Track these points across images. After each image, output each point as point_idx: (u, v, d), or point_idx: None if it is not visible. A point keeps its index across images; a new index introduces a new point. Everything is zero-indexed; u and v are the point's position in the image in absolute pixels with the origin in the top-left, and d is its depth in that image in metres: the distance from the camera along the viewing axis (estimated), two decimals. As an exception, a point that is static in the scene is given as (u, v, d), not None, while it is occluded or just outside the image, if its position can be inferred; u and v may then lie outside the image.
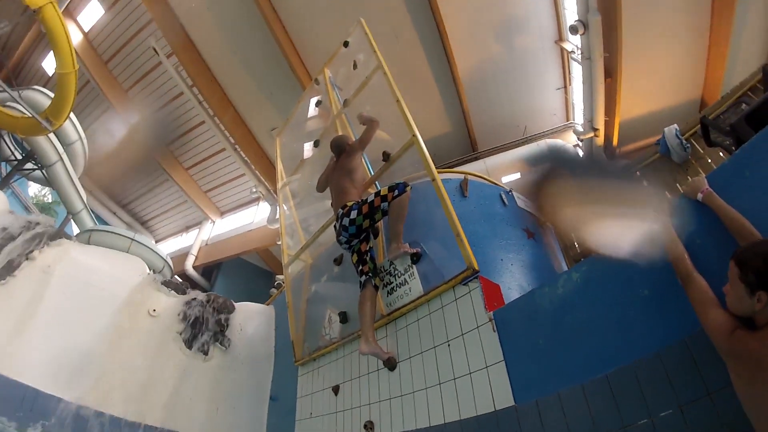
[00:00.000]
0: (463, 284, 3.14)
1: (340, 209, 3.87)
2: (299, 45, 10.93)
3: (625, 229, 2.01)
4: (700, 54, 8.98)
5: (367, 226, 3.76)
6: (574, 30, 9.02)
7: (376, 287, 3.76)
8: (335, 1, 10.05)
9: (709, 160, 4.54)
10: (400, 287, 3.67)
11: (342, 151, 4.41)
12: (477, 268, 3.06)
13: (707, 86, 9.30)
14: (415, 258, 3.60)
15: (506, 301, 3.06)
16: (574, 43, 9.75)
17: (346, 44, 5.78)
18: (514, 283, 3.76)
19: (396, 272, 3.75)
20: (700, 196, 1.94)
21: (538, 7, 9.94)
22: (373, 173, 4.45)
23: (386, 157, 4.12)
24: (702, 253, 1.84)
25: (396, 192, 3.62)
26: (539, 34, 10.35)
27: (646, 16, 8.51)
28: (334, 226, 3.97)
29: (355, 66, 5.45)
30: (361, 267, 3.79)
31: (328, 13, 10.25)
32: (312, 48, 10.82)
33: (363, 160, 4.56)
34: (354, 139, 4.62)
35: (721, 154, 4.40)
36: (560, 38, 10.31)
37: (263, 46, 10.99)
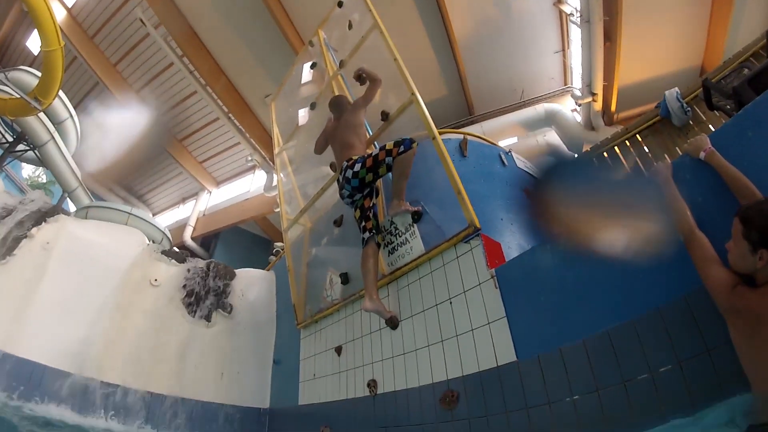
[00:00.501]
0: (465, 242, 3.14)
1: (344, 162, 3.81)
2: (289, 8, 10.62)
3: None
4: (702, 20, 8.80)
5: (371, 180, 3.73)
6: (573, -9, 8.82)
7: (379, 245, 3.77)
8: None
9: (710, 125, 4.51)
10: (401, 246, 3.68)
11: (344, 109, 4.32)
12: (478, 225, 3.06)
13: (708, 53, 9.15)
14: (416, 216, 3.59)
15: (507, 260, 3.07)
16: (573, 5, 9.53)
17: (340, 4, 5.63)
18: (514, 242, 3.76)
19: (397, 231, 3.75)
20: (702, 154, 1.93)
21: (538, -31, 9.69)
22: (371, 132, 4.40)
23: (385, 116, 4.07)
24: (704, 211, 1.84)
25: (402, 148, 3.55)
26: (538, -4, 10.11)
27: (647, -21, 8.31)
28: (338, 180, 3.93)
29: (350, 26, 5.32)
30: (363, 224, 3.78)
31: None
32: (302, 10, 10.52)
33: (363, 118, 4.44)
34: (352, 99, 4.53)
35: (721, 119, 4.36)
36: (559, 0, 10.06)
37: (253, 11, 10.67)
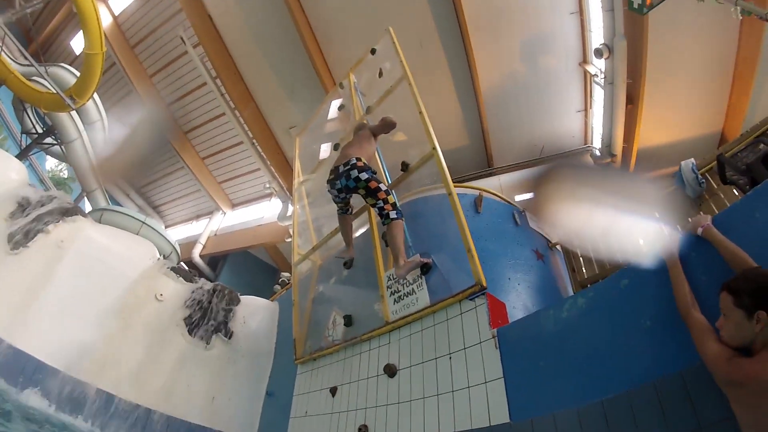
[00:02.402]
0: (470, 299, 3.18)
1: (353, 159, 4.02)
2: (324, 47, 11.02)
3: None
4: (724, 87, 8.89)
5: (359, 193, 4.00)
6: (599, 53, 9.01)
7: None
8: (365, 7, 10.14)
9: (723, 197, 4.52)
10: (407, 296, 3.71)
11: (360, 129, 4.66)
12: (485, 284, 3.10)
13: (728, 120, 9.20)
14: (425, 269, 3.65)
15: (510, 320, 3.09)
16: (598, 66, 9.71)
17: (373, 51, 5.86)
18: (519, 303, 3.80)
19: (404, 281, 3.80)
20: (699, 230, 1.99)
21: (564, 28, 9.90)
22: (390, 180, 4.51)
23: (405, 167, 4.18)
24: (707, 292, 1.87)
25: (395, 213, 3.80)
26: (564, 55, 10.31)
27: (672, 45, 8.47)
28: (337, 169, 4.12)
29: (380, 74, 5.52)
30: (383, 205, 3.86)
31: (355, 19, 10.34)
32: (336, 50, 10.91)
33: (376, 149, 4.68)
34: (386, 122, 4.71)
35: (735, 192, 4.39)
36: (584, 60, 10.27)
37: (289, 45, 11.10)
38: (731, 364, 1.53)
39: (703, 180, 4.64)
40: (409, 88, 4.55)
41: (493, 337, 2.90)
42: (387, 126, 4.39)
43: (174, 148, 15.03)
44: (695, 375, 1.81)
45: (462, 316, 3.21)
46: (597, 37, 9.48)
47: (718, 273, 1.85)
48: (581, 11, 9.55)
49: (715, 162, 4.13)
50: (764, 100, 8.24)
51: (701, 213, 4.32)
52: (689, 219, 2.10)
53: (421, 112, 4.20)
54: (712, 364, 1.62)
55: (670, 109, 9.33)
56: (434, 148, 3.86)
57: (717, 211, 4.03)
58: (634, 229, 2.08)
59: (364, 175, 3.92)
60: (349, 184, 3.97)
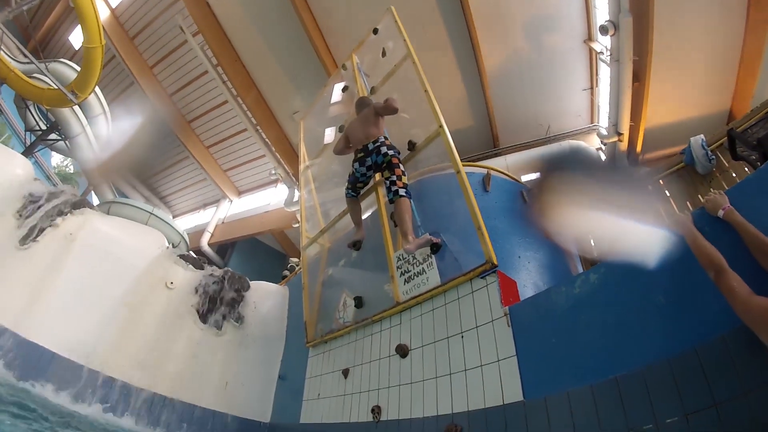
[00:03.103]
0: (481, 277, 3.16)
1: (381, 137, 4.21)
2: (325, 29, 10.89)
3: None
4: (732, 65, 8.72)
5: (384, 168, 4.15)
6: (604, 30, 8.84)
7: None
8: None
9: (734, 174, 4.47)
10: (417, 276, 3.70)
11: (365, 106, 4.70)
12: (496, 262, 3.08)
13: (737, 98, 9.05)
14: (435, 248, 3.63)
15: (522, 298, 3.08)
16: (603, 43, 9.55)
17: (375, 31, 5.78)
18: (530, 281, 3.78)
19: (414, 261, 3.78)
20: (721, 213, 1.93)
21: (569, 5, 9.72)
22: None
23: (411, 146, 4.14)
24: None
25: (405, 191, 3.91)
26: (568, 33, 10.14)
27: (678, 22, 8.29)
28: (365, 148, 4.23)
29: (383, 54, 5.45)
30: (396, 180, 4.00)
31: (355, -1, 10.22)
32: (338, 33, 10.78)
33: (384, 122, 4.72)
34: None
35: (746, 168, 4.33)
36: (589, 38, 10.10)
37: (289, 29, 10.97)
38: None
39: (713, 156, 4.59)
40: (414, 67, 4.49)
41: (505, 315, 2.89)
42: (389, 108, 4.35)
43: (178, 138, 15.03)
44: (710, 351, 1.79)
45: (473, 294, 3.20)
46: (602, 14, 9.32)
47: (738, 254, 1.80)
48: (586, -13, 9.40)
49: (726, 138, 4.07)
50: None
51: (712, 190, 4.29)
52: (706, 198, 2.05)
53: (426, 90, 4.16)
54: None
55: (678, 86, 9.19)
56: (441, 126, 3.82)
57: (727, 188, 3.98)
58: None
59: (391, 152, 4.10)
60: (378, 159, 4.12)
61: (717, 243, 1.89)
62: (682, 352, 1.92)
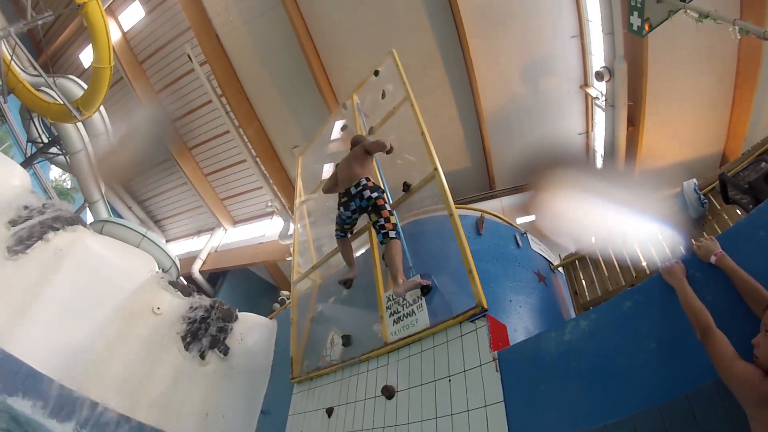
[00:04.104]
0: (471, 321, 3.14)
1: (362, 179, 4.24)
2: (329, 67, 11.20)
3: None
4: (724, 107, 8.97)
5: (368, 211, 4.15)
6: (599, 76, 9.14)
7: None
8: (369, 30, 10.33)
9: (726, 217, 4.51)
10: (406, 317, 3.67)
11: (357, 142, 4.77)
12: (486, 306, 3.07)
13: (729, 141, 9.27)
14: (425, 290, 3.62)
15: (512, 343, 3.05)
16: (598, 89, 9.84)
17: (376, 73, 5.93)
18: (520, 325, 3.76)
19: (404, 302, 3.76)
20: (713, 259, 1.94)
21: (565, 51, 10.06)
22: (391, 200, 4.51)
23: (406, 187, 4.19)
24: (714, 315, 1.82)
25: (394, 232, 3.91)
26: (565, 78, 10.45)
27: (672, 67, 8.58)
28: (348, 191, 4.27)
29: (383, 96, 5.58)
30: (384, 223, 4.00)
31: (360, 40, 10.54)
32: (341, 71, 11.08)
33: (375, 166, 4.82)
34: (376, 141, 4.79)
35: (738, 211, 4.38)
36: (585, 83, 10.40)
37: (294, 65, 11.28)
38: (765, 382, 1.48)
39: (706, 200, 4.64)
40: (411, 110, 4.59)
41: (494, 359, 2.86)
42: (378, 145, 4.45)
43: (177, 164, 15.13)
44: (701, 397, 1.77)
45: (462, 338, 3.17)
46: (597, 60, 9.63)
47: (729, 300, 1.83)
48: (582, 34, 9.73)
49: (717, 182, 4.13)
50: (765, 119, 8.36)
51: (705, 234, 4.33)
52: (697, 244, 2.07)
53: (423, 133, 4.23)
54: (741, 383, 1.56)
55: (671, 130, 9.41)
56: (436, 169, 3.88)
57: (720, 231, 4.02)
58: (632, 230, 2.07)
59: (374, 194, 4.12)
60: (362, 204, 4.15)
61: (709, 289, 1.93)
62: (673, 398, 1.90)
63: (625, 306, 2.32)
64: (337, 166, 4.84)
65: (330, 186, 4.94)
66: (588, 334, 2.45)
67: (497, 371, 2.80)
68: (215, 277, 16.47)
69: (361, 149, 4.51)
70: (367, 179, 4.25)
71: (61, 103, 9.54)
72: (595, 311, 2.57)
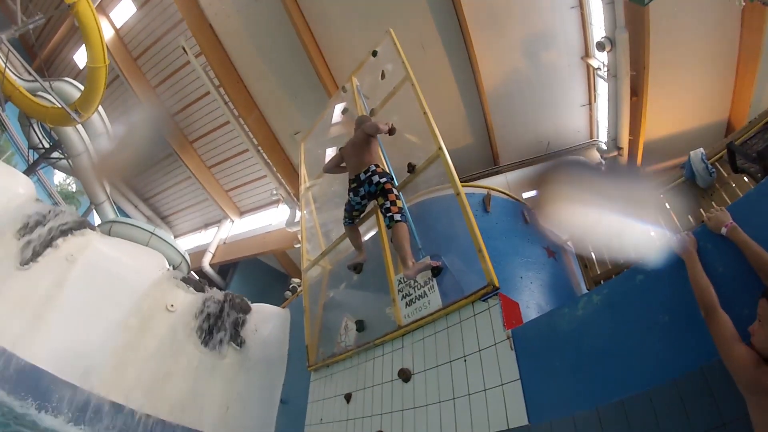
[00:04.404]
0: (483, 300, 3.13)
1: (372, 165, 4.25)
2: (326, 50, 11.03)
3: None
4: (728, 75, 8.79)
5: (377, 196, 4.18)
6: (600, 47, 8.94)
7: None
8: (364, 9, 10.15)
9: (734, 186, 4.46)
10: (419, 299, 3.67)
11: (359, 126, 4.77)
12: (497, 285, 3.06)
13: (734, 108, 9.11)
14: (436, 271, 3.61)
15: (524, 320, 3.05)
16: (600, 59, 9.64)
17: (374, 54, 5.83)
18: (532, 302, 3.75)
19: (415, 284, 3.76)
20: (723, 230, 1.92)
21: (565, 23, 9.84)
22: (396, 182, 4.48)
23: (411, 168, 4.15)
24: (724, 287, 1.82)
25: (400, 215, 3.92)
26: (566, 50, 10.23)
27: (674, 35, 8.39)
28: (357, 177, 4.27)
29: (383, 76, 5.50)
30: (390, 206, 4.02)
31: (355, 21, 10.35)
32: (338, 53, 10.92)
33: (377, 143, 4.76)
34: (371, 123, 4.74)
35: (746, 179, 4.32)
36: (587, 54, 10.19)
37: (290, 50, 11.12)
38: (759, 369, 1.48)
39: (714, 169, 4.58)
40: (412, 89, 4.52)
41: (508, 338, 2.86)
42: (373, 128, 4.41)
43: (180, 158, 15.09)
44: (716, 370, 1.76)
45: (475, 317, 3.17)
46: (598, 31, 9.41)
47: (740, 271, 1.82)
48: (581, 5, 9.49)
49: (725, 151, 4.07)
50: None
51: (714, 204, 4.28)
52: (708, 216, 2.04)
53: (425, 113, 4.18)
54: (737, 367, 1.57)
55: (675, 99, 9.25)
56: (440, 148, 3.83)
57: (729, 201, 3.97)
58: (640, 229, 2.04)
59: (383, 179, 4.14)
60: (371, 189, 4.16)
61: (720, 261, 1.92)
62: (687, 371, 1.90)
63: (637, 279, 2.31)
64: (340, 149, 4.81)
65: (331, 166, 4.95)
66: (601, 309, 2.45)
67: (512, 349, 2.81)
68: (225, 269, 16.57)
69: (362, 133, 4.49)
70: (377, 165, 4.26)
71: (59, 106, 9.50)
72: (607, 285, 2.57)
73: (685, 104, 9.34)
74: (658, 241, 2.04)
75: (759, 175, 3.33)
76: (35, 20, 9.00)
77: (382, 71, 5.53)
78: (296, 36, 10.60)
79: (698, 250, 1.99)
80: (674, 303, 2.06)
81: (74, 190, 17.03)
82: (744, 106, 8.79)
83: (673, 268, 2.09)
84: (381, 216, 4.20)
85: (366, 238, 4.80)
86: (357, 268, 4.62)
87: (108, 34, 12.51)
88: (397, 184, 4.43)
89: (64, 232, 5.58)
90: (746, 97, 8.69)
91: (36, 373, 4.52)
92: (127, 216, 15.99)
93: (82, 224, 5.89)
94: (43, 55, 13.91)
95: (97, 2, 11.43)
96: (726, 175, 4.56)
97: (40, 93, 10.10)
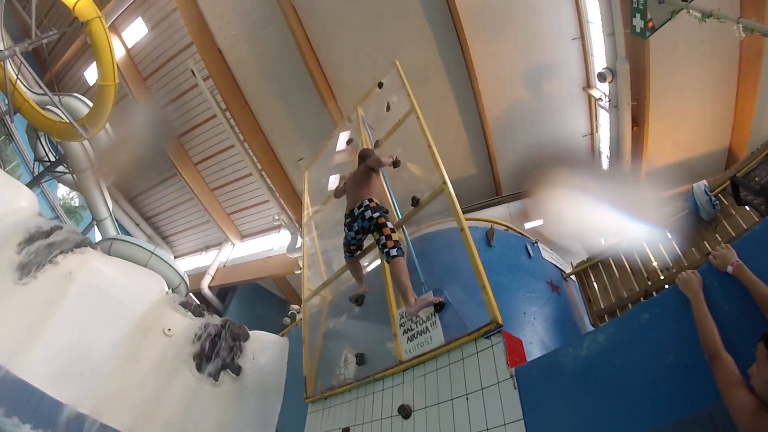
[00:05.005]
0: (486, 337, 3.09)
1: (364, 201, 4.20)
2: (331, 78, 11.22)
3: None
4: (728, 102, 8.93)
5: (372, 232, 4.10)
6: (602, 77, 9.11)
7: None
8: (369, 37, 10.36)
9: (738, 217, 4.44)
10: (420, 334, 3.63)
11: (364, 158, 4.72)
12: (501, 322, 3.02)
13: (735, 135, 9.22)
14: (439, 307, 3.57)
15: (527, 356, 3.01)
16: (602, 90, 9.80)
17: (380, 85, 5.92)
18: (536, 338, 3.71)
19: (417, 319, 3.71)
20: (730, 268, 1.91)
21: (567, 54, 10.04)
22: (400, 214, 4.48)
23: (415, 202, 4.16)
24: (730, 326, 1.82)
25: (396, 250, 3.84)
26: (567, 81, 10.41)
27: (673, 65, 8.55)
28: (352, 212, 4.24)
29: (388, 108, 5.56)
30: (386, 241, 3.94)
31: (361, 50, 10.56)
32: (344, 82, 11.09)
33: (380, 175, 4.79)
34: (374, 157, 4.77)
35: (748, 209, 4.30)
36: (588, 85, 10.36)
37: (297, 78, 11.31)
38: (759, 417, 1.46)
39: (717, 202, 4.57)
40: (418, 122, 4.56)
41: (511, 376, 2.81)
42: (376, 162, 4.45)
43: (183, 179, 15.20)
44: (724, 410, 1.70)
45: (478, 354, 3.12)
46: (599, 61, 9.59)
47: (746, 310, 1.80)
48: (582, 36, 9.70)
49: (728, 183, 4.08)
50: None
51: (718, 238, 4.26)
52: (713, 254, 2.04)
53: (430, 146, 4.20)
54: (737, 413, 1.55)
55: (676, 128, 9.37)
56: (444, 183, 3.84)
57: (733, 233, 3.96)
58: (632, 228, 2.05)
59: (375, 214, 4.07)
60: (365, 224, 4.11)
61: (726, 299, 1.91)
62: (695, 411, 1.87)
63: (642, 318, 2.29)
64: (347, 177, 4.84)
65: (341, 192, 4.96)
66: (606, 348, 2.42)
67: (515, 388, 2.75)
68: (224, 292, 16.48)
69: (365, 167, 4.51)
70: (371, 200, 4.24)
71: (67, 121, 9.63)
72: (613, 324, 2.54)
73: (686, 132, 9.46)
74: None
75: (763, 207, 3.34)
76: (49, 35, 9.19)
77: (388, 103, 5.60)
78: (303, 63, 10.79)
79: (704, 288, 1.99)
80: (680, 342, 2.04)
81: (77, 204, 17.08)
82: (745, 132, 8.91)
83: (678, 307, 2.08)
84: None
85: (369, 269, 4.78)
86: (358, 300, 4.58)
87: (119, 52, 12.78)
88: (399, 215, 4.44)
89: (65, 250, 5.56)
90: (747, 124, 8.82)
91: (27, 389, 4.44)
92: (128, 234, 16.02)
93: (83, 242, 5.88)
94: (54, 70, 14.12)
95: (110, 21, 11.70)
96: (729, 206, 4.55)
97: (49, 107, 10.25)
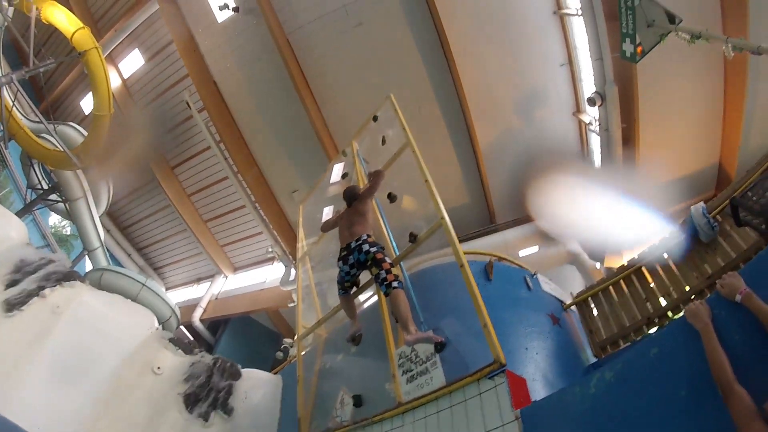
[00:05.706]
0: (489, 378, 2.98)
1: (364, 235, 4.21)
2: (325, 111, 11.33)
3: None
4: (716, 119, 9.16)
5: (369, 267, 4.11)
6: (591, 102, 9.29)
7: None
8: (362, 70, 10.51)
9: (738, 239, 4.40)
10: (420, 375, 3.50)
11: (354, 197, 4.72)
12: (504, 362, 2.91)
13: (724, 151, 9.42)
14: (439, 347, 3.47)
15: (531, 394, 2.91)
16: (591, 114, 9.96)
17: (375, 119, 5.93)
18: (539, 374, 3.60)
19: (417, 359, 3.60)
20: (738, 297, 1.86)
21: (556, 79, 10.28)
22: (397, 250, 4.41)
23: (413, 238, 4.10)
24: (741, 356, 1.76)
25: (396, 283, 3.82)
26: (557, 107, 10.62)
27: (661, 86, 8.78)
28: (348, 246, 4.23)
29: (383, 141, 5.57)
30: (386, 275, 3.92)
31: (354, 82, 10.71)
32: (337, 114, 11.20)
33: (374, 205, 4.80)
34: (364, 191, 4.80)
35: (746, 229, 4.26)
36: (578, 110, 10.54)
37: (290, 110, 11.42)
38: None
39: (716, 223, 4.55)
40: (413, 156, 4.54)
41: (517, 418, 2.69)
42: (376, 180, 4.51)
43: (177, 210, 15.15)
44: None
45: (481, 396, 2.99)
46: (588, 86, 9.78)
47: (757, 339, 1.75)
48: (570, 62, 9.92)
49: (727, 204, 4.08)
50: (756, 128, 8.56)
51: (719, 261, 4.21)
52: (721, 283, 1.98)
53: (427, 180, 4.17)
54: None
55: (667, 147, 9.54)
56: (442, 218, 3.79)
57: (733, 254, 3.91)
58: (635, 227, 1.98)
59: (373, 249, 4.07)
60: (361, 257, 4.10)
61: (735, 329, 1.86)
62: None
63: (651, 353, 2.22)
64: (339, 215, 4.81)
65: (329, 227, 5.00)
66: (615, 386, 2.32)
67: (520, 431, 2.63)
68: (216, 325, 16.19)
69: (359, 204, 4.52)
70: (369, 235, 4.25)
71: (61, 150, 9.61)
72: (620, 361, 2.44)
73: (676, 151, 9.64)
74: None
75: (763, 226, 3.32)
76: (46, 64, 9.27)
77: (383, 137, 5.61)
78: (297, 97, 10.91)
79: (712, 319, 1.93)
80: (692, 376, 1.97)
81: (69, 233, 16.89)
82: (733, 148, 9.14)
83: (688, 340, 2.02)
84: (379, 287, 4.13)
85: (366, 305, 4.67)
86: (356, 339, 4.46)
87: (115, 83, 12.91)
88: (397, 251, 4.37)
89: (53, 282, 5.43)
90: (735, 139, 9.04)
91: (8, 427, 4.23)
92: (119, 264, 15.86)
93: (72, 275, 5.75)
94: (50, 98, 14.17)
95: (108, 52, 11.81)
96: (728, 227, 4.52)
97: (44, 134, 10.24)
